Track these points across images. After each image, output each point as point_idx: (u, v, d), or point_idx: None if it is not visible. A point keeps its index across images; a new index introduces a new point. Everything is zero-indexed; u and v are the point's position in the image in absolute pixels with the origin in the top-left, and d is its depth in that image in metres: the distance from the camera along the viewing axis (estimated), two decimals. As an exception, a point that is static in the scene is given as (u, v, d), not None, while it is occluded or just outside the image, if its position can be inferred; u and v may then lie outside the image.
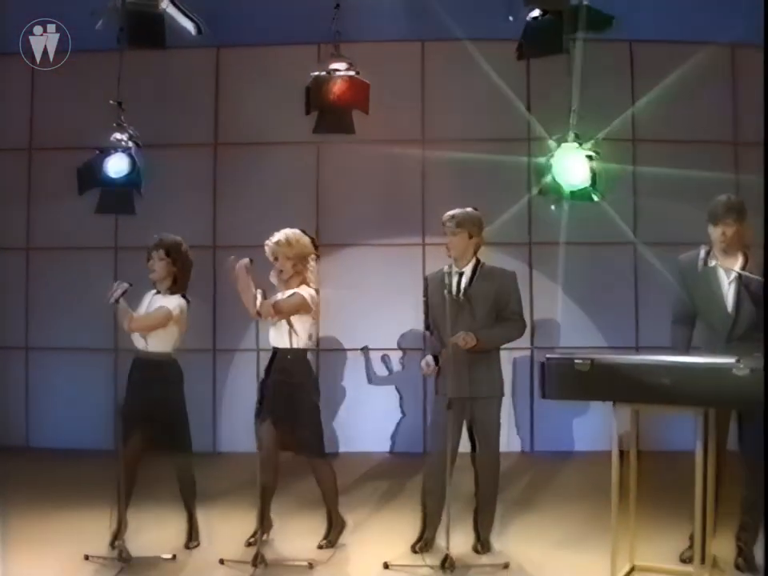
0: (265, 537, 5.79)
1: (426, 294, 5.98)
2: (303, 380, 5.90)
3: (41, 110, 8.97)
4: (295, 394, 5.84)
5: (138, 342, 5.93)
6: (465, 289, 5.72)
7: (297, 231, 5.95)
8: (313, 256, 5.98)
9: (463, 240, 5.76)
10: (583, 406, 8.39)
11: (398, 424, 8.88)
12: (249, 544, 5.89)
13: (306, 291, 5.87)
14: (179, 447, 5.97)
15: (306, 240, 5.96)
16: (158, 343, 5.91)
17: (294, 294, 5.83)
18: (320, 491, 6.02)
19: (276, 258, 5.88)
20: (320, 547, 5.90)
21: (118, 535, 5.67)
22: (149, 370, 5.88)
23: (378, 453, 8.76)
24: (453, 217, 5.78)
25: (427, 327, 6.05)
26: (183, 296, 6.01)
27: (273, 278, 5.93)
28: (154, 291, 6.04)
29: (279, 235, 5.90)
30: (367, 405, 8.85)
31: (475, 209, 5.88)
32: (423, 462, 5.97)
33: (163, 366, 5.92)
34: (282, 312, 5.76)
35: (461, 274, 5.78)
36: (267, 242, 5.91)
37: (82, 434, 8.41)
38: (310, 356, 6.04)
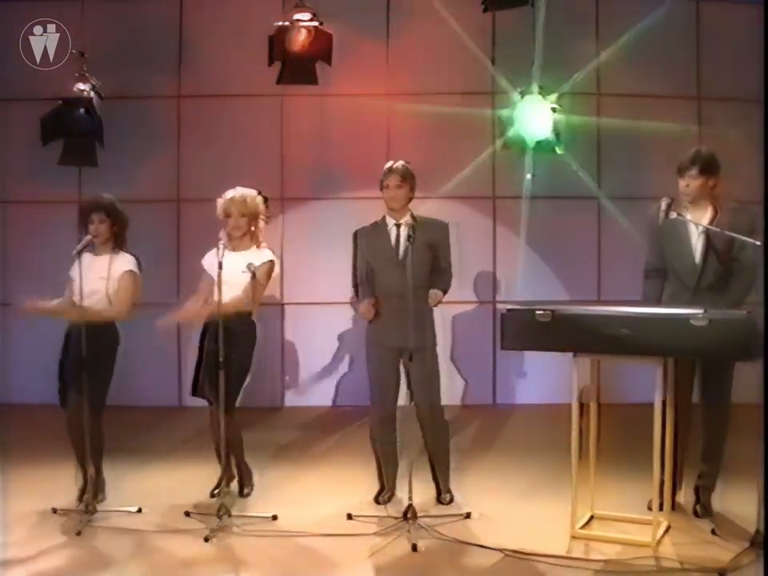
0: (227, 488, 5.82)
1: (354, 249, 5.98)
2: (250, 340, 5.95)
3: (2, 60, 8.83)
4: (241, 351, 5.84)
5: (86, 301, 5.66)
6: (405, 241, 5.65)
7: (250, 189, 5.93)
8: (263, 216, 5.97)
9: (406, 192, 5.78)
10: (545, 360, 8.47)
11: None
12: (212, 495, 5.94)
13: (270, 254, 5.91)
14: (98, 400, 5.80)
15: (260, 199, 5.95)
16: (106, 302, 5.79)
17: (264, 263, 5.84)
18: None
19: (227, 216, 5.84)
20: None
21: (84, 490, 5.70)
22: (95, 333, 5.64)
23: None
24: (396, 169, 5.78)
25: (356, 285, 6.02)
26: (133, 255, 5.92)
27: (222, 236, 5.86)
28: (90, 252, 5.78)
29: (233, 192, 5.88)
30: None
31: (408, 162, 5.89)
32: (369, 415, 5.99)
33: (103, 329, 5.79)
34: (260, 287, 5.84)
35: (398, 226, 5.78)
36: (219, 199, 5.89)
37: (47, 389, 8.36)
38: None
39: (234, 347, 5.59)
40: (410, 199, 5.85)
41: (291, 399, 8.88)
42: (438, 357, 5.92)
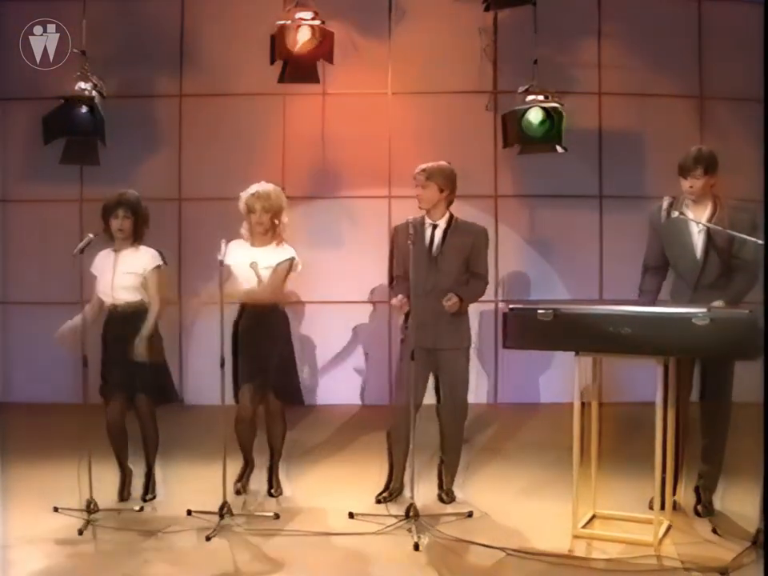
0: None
1: (392, 245, 5.98)
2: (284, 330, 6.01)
3: (2, 59, 8.82)
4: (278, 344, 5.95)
5: (119, 295, 5.85)
6: (439, 242, 5.74)
7: (274, 185, 5.90)
8: (285, 211, 5.94)
9: (433, 193, 5.74)
10: (547, 359, 8.47)
11: (370, 376, 8.92)
12: (237, 492, 5.99)
13: (291, 251, 5.89)
14: (169, 396, 6.03)
15: (283, 195, 5.91)
16: (140, 294, 5.90)
17: (280, 264, 5.83)
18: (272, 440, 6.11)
19: (251, 211, 5.81)
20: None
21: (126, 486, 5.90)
22: (132, 322, 5.84)
23: (353, 405, 8.80)
24: (423, 170, 5.75)
25: (391, 280, 6.03)
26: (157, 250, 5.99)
27: (244, 231, 5.88)
28: (111, 249, 5.88)
29: (258, 187, 5.83)
30: (340, 358, 8.89)
31: (448, 163, 5.84)
32: (389, 413, 6.00)
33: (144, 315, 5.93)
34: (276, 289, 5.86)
35: (434, 227, 5.78)
36: (243, 194, 5.84)
37: (48, 389, 8.37)
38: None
39: (276, 339, 5.87)
40: (446, 199, 5.78)
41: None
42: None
